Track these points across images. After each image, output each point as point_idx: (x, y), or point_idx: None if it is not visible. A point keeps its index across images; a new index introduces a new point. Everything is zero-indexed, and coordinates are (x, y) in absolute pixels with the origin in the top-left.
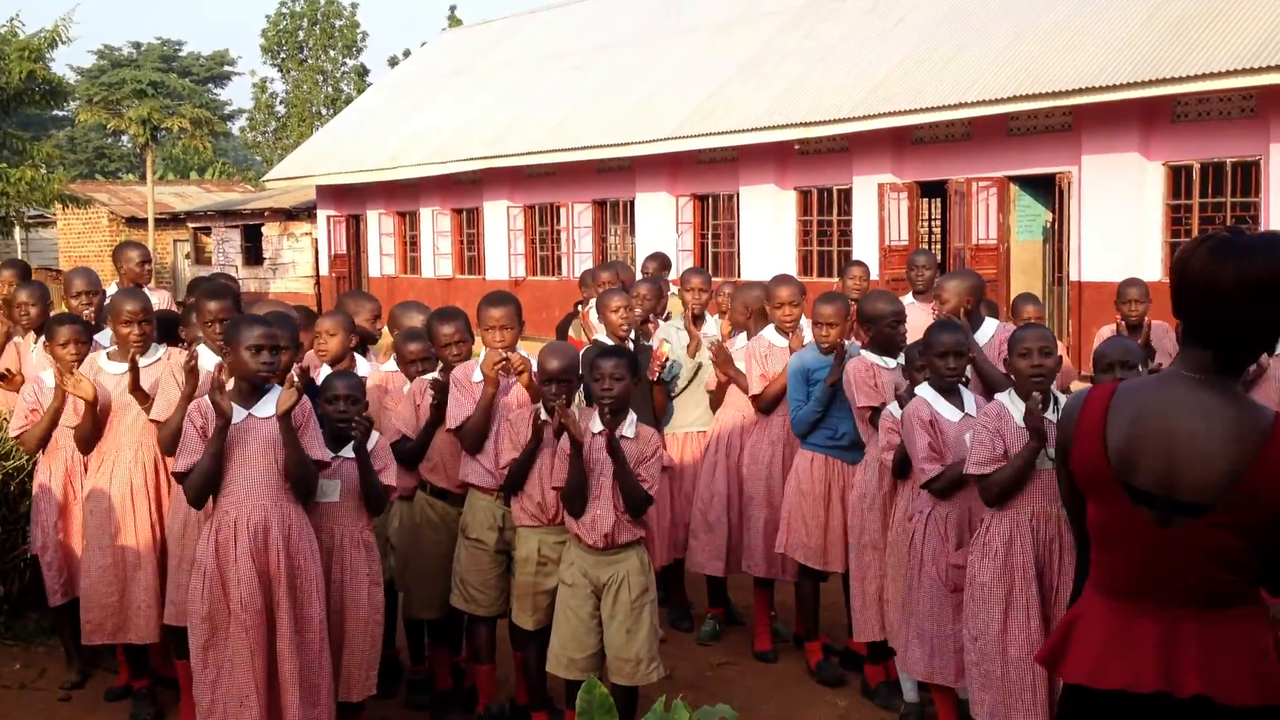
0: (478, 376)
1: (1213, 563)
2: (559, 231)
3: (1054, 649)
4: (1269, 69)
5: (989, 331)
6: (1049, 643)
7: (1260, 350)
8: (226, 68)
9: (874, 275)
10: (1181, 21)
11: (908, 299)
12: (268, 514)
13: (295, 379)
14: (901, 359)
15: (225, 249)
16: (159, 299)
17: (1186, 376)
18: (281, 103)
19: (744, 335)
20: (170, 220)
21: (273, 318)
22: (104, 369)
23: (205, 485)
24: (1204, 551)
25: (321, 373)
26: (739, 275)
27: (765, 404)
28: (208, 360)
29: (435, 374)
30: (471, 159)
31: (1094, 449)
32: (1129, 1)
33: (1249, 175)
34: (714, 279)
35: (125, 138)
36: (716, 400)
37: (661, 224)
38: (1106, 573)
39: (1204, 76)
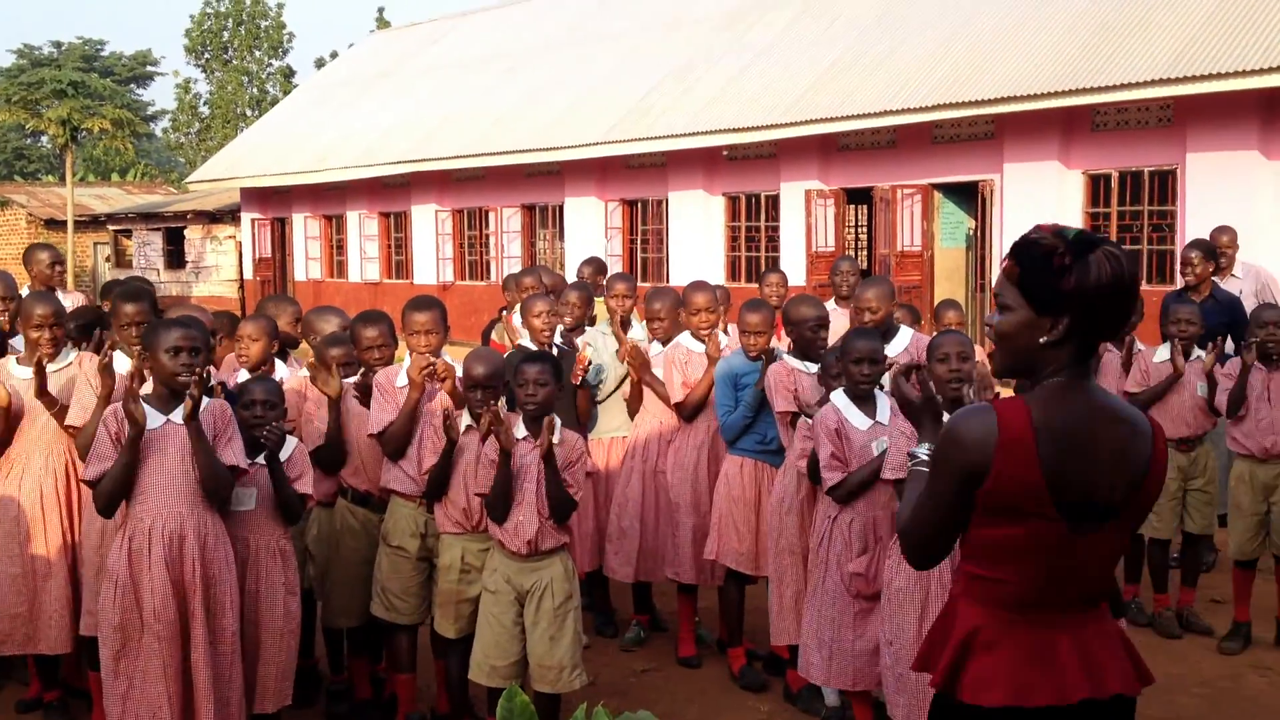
0: (401, 381)
1: (1108, 563)
2: (487, 235)
3: (949, 672)
4: (1186, 79)
5: (905, 340)
6: (942, 666)
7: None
8: (149, 68)
9: (801, 281)
10: (1101, 32)
11: (831, 304)
12: (183, 522)
13: (192, 389)
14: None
15: (146, 252)
16: (73, 301)
17: (1082, 384)
18: (205, 104)
19: (657, 343)
20: (90, 223)
21: (185, 321)
22: (13, 374)
23: (115, 494)
24: (1107, 554)
25: (239, 378)
26: (668, 280)
27: (688, 411)
28: (124, 366)
29: (356, 379)
30: (399, 162)
31: (1027, 468)
32: (1050, 12)
33: (1166, 184)
34: (642, 285)
35: (45, 138)
36: (633, 406)
37: (591, 229)
38: (1006, 588)
39: (1122, 86)
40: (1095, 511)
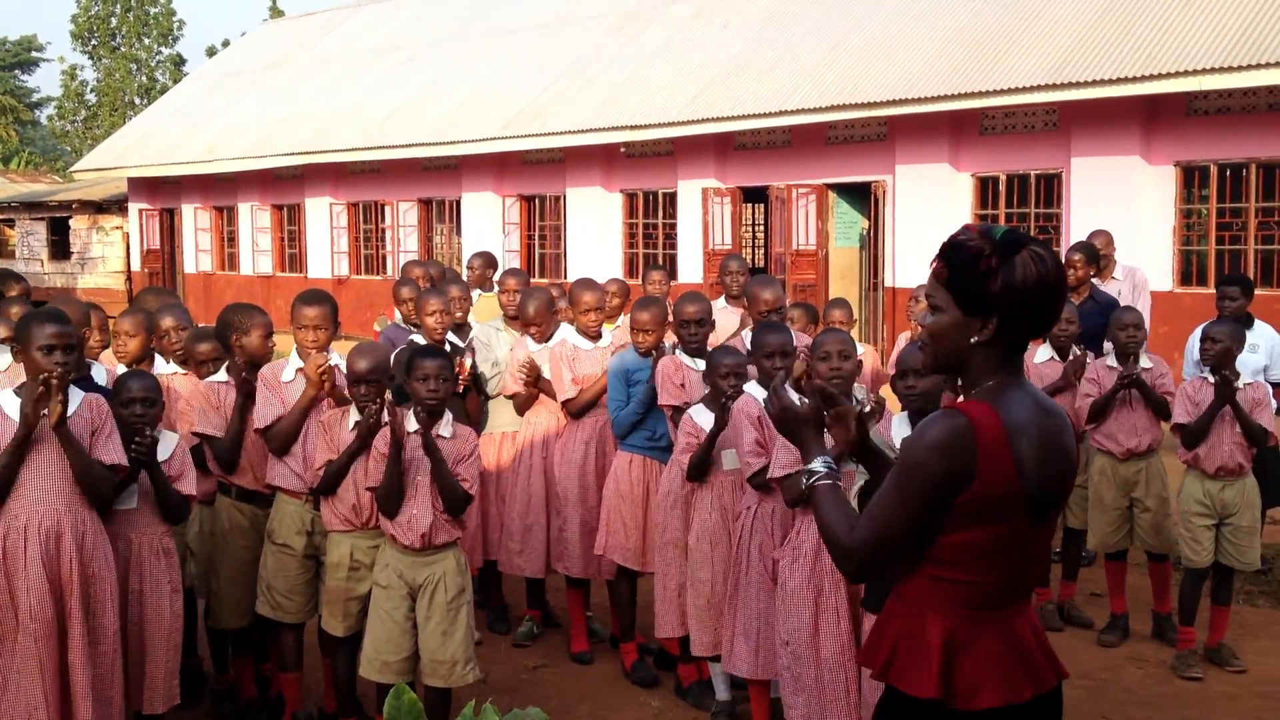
0: (286, 376)
1: (1048, 552)
2: (384, 230)
3: (940, 681)
4: (1070, 85)
5: (802, 339)
6: (932, 677)
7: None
8: (34, 53)
9: (699, 278)
10: (988, 38)
11: (721, 303)
12: (60, 519)
13: (54, 397)
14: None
15: (30, 242)
16: None
17: (1022, 382)
18: (92, 91)
19: (530, 340)
20: None
21: (59, 316)
22: None
23: None
24: (1049, 543)
25: (118, 372)
26: (565, 277)
27: (576, 409)
28: None
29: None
30: (292, 154)
31: (1007, 472)
32: (939, 17)
33: (1051, 187)
34: (538, 280)
35: None
36: (520, 404)
37: (488, 224)
38: (976, 588)
39: (1009, 91)
40: (1049, 504)
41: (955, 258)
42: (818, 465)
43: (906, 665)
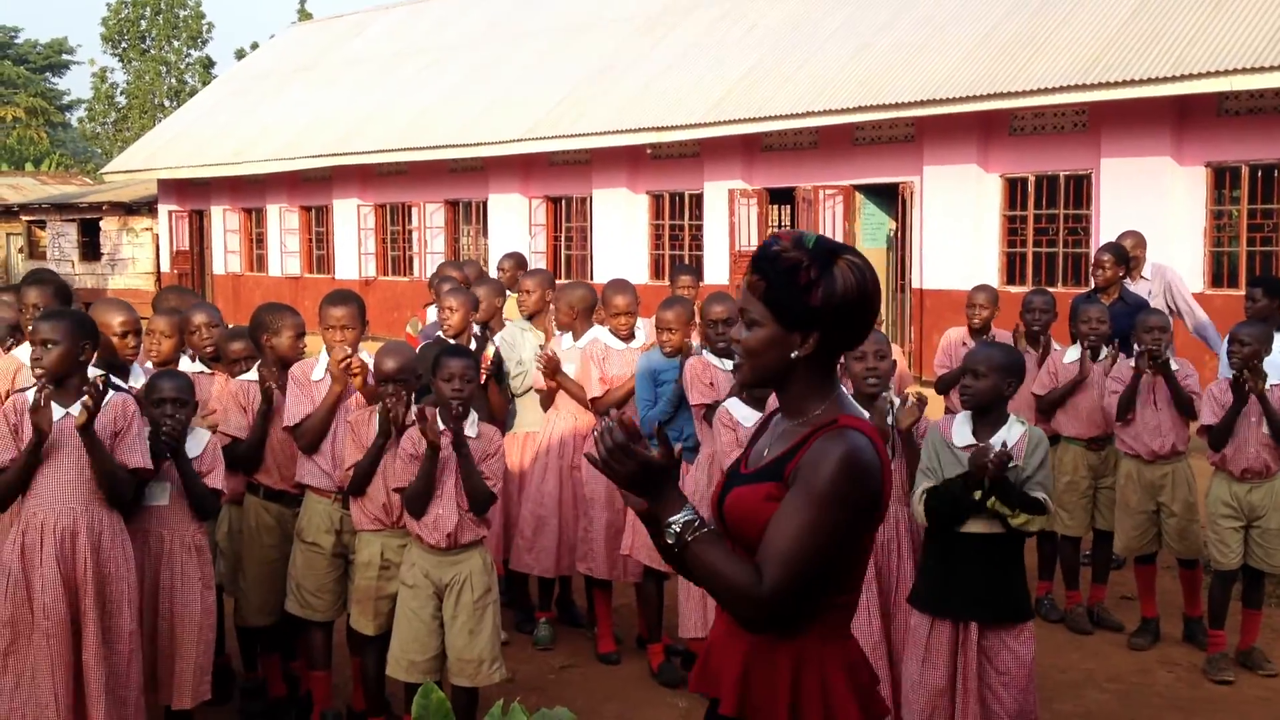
0: (316, 375)
1: None
2: (411, 231)
3: (863, 713)
4: (1100, 85)
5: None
6: (856, 714)
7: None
8: (65, 56)
9: (725, 280)
10: (1018, 38)
11: None
12: (76, 519)
13: (87, 400)
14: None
15: (61, 243)
16: None
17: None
18: (122, 93)
19: (569, 336)
20: (3, 212)
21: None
22: None
23: (7, 496)
24: None
25: (134, 373)
26: (592, 278)
27: (604, 408)
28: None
29: (260, 370)
30: (320, 156)
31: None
32: (968, 18)
33: (1081, 188)
34: (563, 281)
35: None
36: (547, 401)
37: (515, 225)
38: (850, 609)
39: (1039, 91)
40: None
41: (772, 271)
42: (689, 515)
43: (816, 710)
